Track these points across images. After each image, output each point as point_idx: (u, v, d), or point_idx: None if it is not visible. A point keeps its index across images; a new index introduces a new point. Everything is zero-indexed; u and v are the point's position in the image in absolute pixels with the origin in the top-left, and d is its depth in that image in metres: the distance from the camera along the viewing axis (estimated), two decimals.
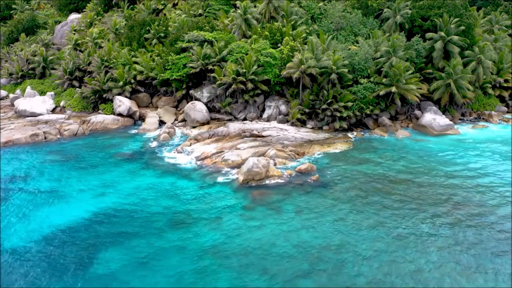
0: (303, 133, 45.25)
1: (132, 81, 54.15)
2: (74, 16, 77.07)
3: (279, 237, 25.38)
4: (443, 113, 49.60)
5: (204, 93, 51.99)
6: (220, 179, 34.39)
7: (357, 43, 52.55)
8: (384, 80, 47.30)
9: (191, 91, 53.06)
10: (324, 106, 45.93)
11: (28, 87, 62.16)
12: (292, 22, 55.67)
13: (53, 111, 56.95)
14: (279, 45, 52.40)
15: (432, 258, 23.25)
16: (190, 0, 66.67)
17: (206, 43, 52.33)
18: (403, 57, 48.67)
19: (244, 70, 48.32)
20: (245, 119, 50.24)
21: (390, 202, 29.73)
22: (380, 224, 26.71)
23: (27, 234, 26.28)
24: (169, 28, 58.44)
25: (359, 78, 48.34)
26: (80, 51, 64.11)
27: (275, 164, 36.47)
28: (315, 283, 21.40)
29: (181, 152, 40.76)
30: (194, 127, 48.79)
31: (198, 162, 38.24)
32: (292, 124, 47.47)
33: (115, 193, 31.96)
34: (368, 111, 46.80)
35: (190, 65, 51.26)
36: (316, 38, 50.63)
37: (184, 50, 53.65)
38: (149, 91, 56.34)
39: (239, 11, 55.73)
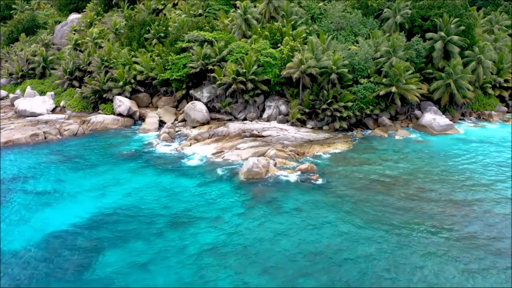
0: (303, 133, 45.25)
1: (132, 81, 54.16)
2: (74, 16, 77.10)
3: (279, 236, 25.38)
4: (443, 113, 49.60)
5: (204, 93, 51.99)
6: (220, 178, 34.38)
7: (357, 43, 52.56)
8: (384, 80, 47.30)
9: (191, 91, 53.07)
10: (324, 106, 45.93)
11: (28, 87, 62.18)
12: (292, 22, 55.68)
13: (53, 111, 56.96)
14: (279, 45, 52.41)
15: (433, 257, 23.23)
16: (190, 0, 66.69)
17: (206, 43, 52.33)
18: (403, 57, 48.67)
19: (244, 70, 48.32)
20: (245, 119, 50.24)
21: (390, 202, 29.72)
22: (380, 223, 26.71)
23: (27, 235, 26.23)
24: (169, 28, 58.45)
25: (359, 78, 48.34)
26: (80, 51, 64.13)
27: (275, 164, 36.47)
28: (316, 282, 21.39)
29: (181, 152, 40.78)
30: (194, 127, 48.80)
31: (198, 162, 38.25)
32: (292, 124, 47.46)
33: (115, 193, 31.95)
34: (368, 111, 46.80)
35: (190, 65, 51.27)
36: (316, 38, 50.64)
37: (184, 50, 53.66)
38: (149, 91, 56.35)
39: (239, 11, 55.75)
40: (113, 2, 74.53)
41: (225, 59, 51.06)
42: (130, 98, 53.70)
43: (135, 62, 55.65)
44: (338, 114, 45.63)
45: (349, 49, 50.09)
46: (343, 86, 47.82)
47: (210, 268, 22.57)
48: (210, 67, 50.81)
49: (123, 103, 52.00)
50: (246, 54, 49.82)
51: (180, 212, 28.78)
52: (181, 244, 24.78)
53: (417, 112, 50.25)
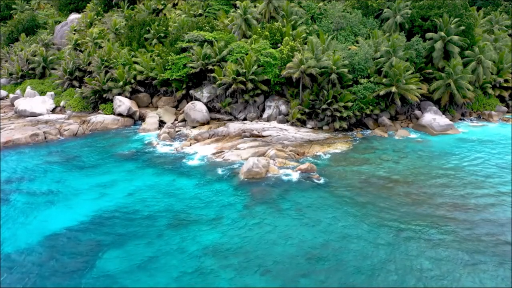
0: (303, 133, 45.25)
1: (132, 81, 54.16)
2: (74, 16, 77.11)
3: (279, 237, 25.38)
4: (443, 113, 49.61)
5: (204, 93, 52.00)
6: (220, 178, 34.38)
7: (357, 43, 52.56)
8: (384, 80, 47.30)
9: (191, 91, 53.07)
10: (324, 106, 45.92)
11: (28, 87, 62.18)
12: (292, 22, 55.68)
13: (53, 111, 56.96)
14: (279, 45, 52.41)
15: (433, 256, 23.23)
16: (190, 0, 66.71)
17: (206, 43, 52.33)
18: (403, 57, 48.67)
19: (244, 70, 48.31)
20: (245, 119, 50.24)
21: (390, 202, 29.73)
22: (380, 223, 26.71)
23: (27, 236, 26.22)
24: (169, 28, 58.47)
25: (359, 78, 48.34)
26: (80, 51, 64.14)
27: (275, 164, 36.47)
28: (316, 282, 21.39)
29: (181, 152, 40.79)
30: (194, 127, 48.80)
31: (198, 162, 38.25)
32: (292, 124, 47.46)
33: (115, 194, 31.94)
34: (368, 111, 46.80)
35: (190, 65, 51.27)
36: (316, 38, 50.63)
37: (184, 50, 53.66)
38: (149, 91, 56.35)
39: (239, 11, 55.75)
40: (113, 2, 74.53)
41: (225, 59, 51.05)
42: (130, 98, 53.69)
43: (135, 62, 55.65)
44: (338, 114, 45.62)
45: (349, 49, 50.09)
46: (343, 86, 47.81)
47: (211, 268, 22.57)
48: (210, 67, 50.80)
49: (123, 103, 51.99)
50: (246, 54, 49.81)
51: (180, 212, 28.79)
52: (181, 244, 24.78)
53: (417, 112, 50.25)
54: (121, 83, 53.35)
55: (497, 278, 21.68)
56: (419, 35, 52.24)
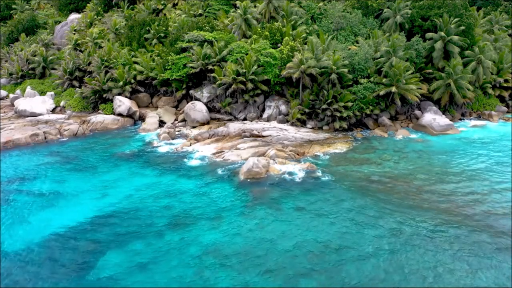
0: (303, 133, 45.25)
1: (132, 81, 54.15)
2: (74, 16, 77.12)
3: (280, 236, 25.39)
4: (443, 113, 49.61)
5: (204, 93, 52.00)
6: (220, 178, 34.38)
7: (357, 43, 52.55)
8: (384, 80, 47.30)
9: (191, 91, 53.07)
10: (324, 106, 45.92)
11: (28, 87, 62.18)
12: (292, 22, 55.68)
13: (53, 111, 56.96)
14: (279, 45, 52.41)
15: (433, 257, 23.24)
16: (190, 0, 66.72)
17: (206, 43, 52.33)
18: (403, 57, 48.66)
19: (244, 70, 48.31)
20: (245, 119, 50.24)
21: (390, 202, 29.73)
22: (380, 224, 26.71)
23: (27, 236, 26.24)
24: (169, 28, 58.48)
25: (359, 78, 48.33)
26: (80, 51, 64.14)
27: (275, 164, 36.45)
28: (316, 282, 21.39)
29: (181, 152, 40.79)
30: (194, 127, 48.81)
31: (198, 162, 38.26)
32: (292, 124, 47.46)
33: (115, 194, 31.95)
34: (368, 111, 46.80)
35: (190, 65, 51.26)
36: (316, 38, 50.62)
37: (184, 50, 53.66)
38: (149, 91, 56.35)
39: (239, 11, 55.75)
40: (113, 2, 74.53)
41: (225, 59, 51.05)
42: (130, 98, 53.69)
43: (135, 62, 55.65)
44: (338, 114, 45.62)
45: (349, 49, 50.08)
46: (343, 86, 47.80)
47: (211, 268, 22.58)
48: (210, 67, 50.79)
49: (123, 103, 51.99)
50: (246, 54, 49.80)
51: (180, 213, 28.79)
52: (182, 245, 24.79)
53: (417, 112, 50.26)
54: (121, 83, 53.35)
55: (499, 278, 21.69)
56: (419, 35, 52.23)
